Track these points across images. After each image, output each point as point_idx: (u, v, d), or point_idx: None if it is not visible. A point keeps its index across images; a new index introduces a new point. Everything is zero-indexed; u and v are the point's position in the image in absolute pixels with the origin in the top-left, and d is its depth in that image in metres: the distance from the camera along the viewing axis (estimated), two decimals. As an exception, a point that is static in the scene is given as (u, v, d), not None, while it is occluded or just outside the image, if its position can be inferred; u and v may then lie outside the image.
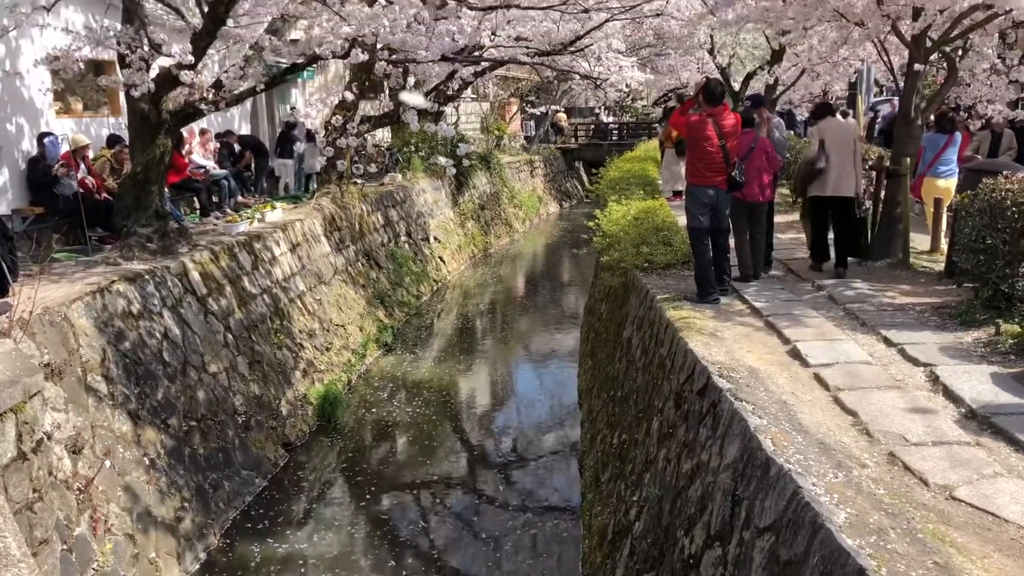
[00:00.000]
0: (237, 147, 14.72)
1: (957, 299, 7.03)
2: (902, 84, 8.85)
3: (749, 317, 6.97)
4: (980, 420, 4.65)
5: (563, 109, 36.34)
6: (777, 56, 14.89)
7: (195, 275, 9.27)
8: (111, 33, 8.53)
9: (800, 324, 6.58)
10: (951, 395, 5.02)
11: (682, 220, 8.06)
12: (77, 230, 9.90)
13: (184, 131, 11.53)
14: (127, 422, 7.15)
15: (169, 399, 7.88)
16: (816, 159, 8.20)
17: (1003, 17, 7.64)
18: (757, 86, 19.10)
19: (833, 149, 8.13)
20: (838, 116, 9.11)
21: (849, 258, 8.41)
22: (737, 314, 7.06)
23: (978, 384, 5.10)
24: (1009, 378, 5.19)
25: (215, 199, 12.80)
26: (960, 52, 9.19)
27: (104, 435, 6.77)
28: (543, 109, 31.71)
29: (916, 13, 7.87)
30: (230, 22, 9.09)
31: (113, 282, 7.91)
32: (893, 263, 8.62)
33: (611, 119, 38.98)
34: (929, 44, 8.35)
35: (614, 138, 35.34)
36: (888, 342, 6.10)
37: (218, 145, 14.14)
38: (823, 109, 8.72)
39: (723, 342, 6.16)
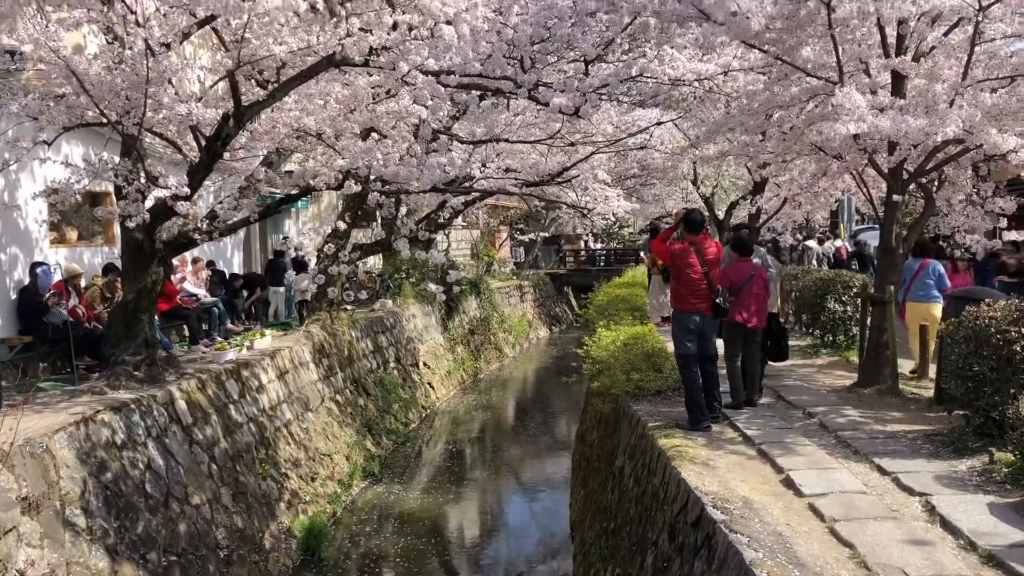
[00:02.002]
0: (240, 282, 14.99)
1: (949, 426, 7.00)
2: (882, 213, 9.09)
3: (741, 445, 6.90)
4: (980, 552, 4.55)
5: (577, 235, 37.10)
6: (759, 187, 15.28)
7: (181, 404, 9.17)
8: (109, 166, 8.71)
9: (793, 452, 6.52)
10: (949, 526, 4.93)
11: (671, 346, 8.10)
12: (64, 359, 9.83)
13: (176, 259, 11.64)
14: (104, 558, 6.91)
15: (149, 533, 7.65)
16: None
17: (974, 151, 7.92)
18: (741, 215, 19.54)
19: None
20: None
21: (776, 361, 9.25)
22: (729, 442, 7.00)
23: (975, 515, 5.02)
24: (1007, 508, 5.11)
25: (204, 326, 12.81)
26: (936, 184, 9.48)
27: (80, 572, 6.52)
28: (532, 236, 32.37)
29: (891, 147, 8.15)
30: (226, 155, 9.32)
31: (98, 412, 7.80)
32: (882, 389, 8.62)
33: (599, 245, 39.73)
34: (906, 176, 8.62)
35: (602, 264, 35.89)
36: (882, 471, 6.03)
37: (209, 273, 14.26)
38: None
39: (716, 471, 6.08)
